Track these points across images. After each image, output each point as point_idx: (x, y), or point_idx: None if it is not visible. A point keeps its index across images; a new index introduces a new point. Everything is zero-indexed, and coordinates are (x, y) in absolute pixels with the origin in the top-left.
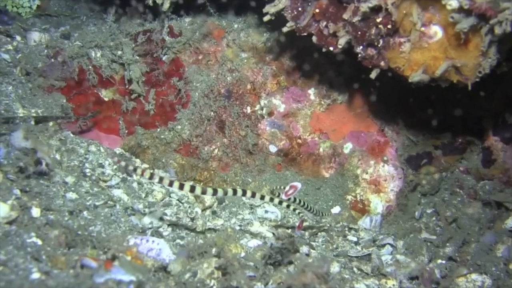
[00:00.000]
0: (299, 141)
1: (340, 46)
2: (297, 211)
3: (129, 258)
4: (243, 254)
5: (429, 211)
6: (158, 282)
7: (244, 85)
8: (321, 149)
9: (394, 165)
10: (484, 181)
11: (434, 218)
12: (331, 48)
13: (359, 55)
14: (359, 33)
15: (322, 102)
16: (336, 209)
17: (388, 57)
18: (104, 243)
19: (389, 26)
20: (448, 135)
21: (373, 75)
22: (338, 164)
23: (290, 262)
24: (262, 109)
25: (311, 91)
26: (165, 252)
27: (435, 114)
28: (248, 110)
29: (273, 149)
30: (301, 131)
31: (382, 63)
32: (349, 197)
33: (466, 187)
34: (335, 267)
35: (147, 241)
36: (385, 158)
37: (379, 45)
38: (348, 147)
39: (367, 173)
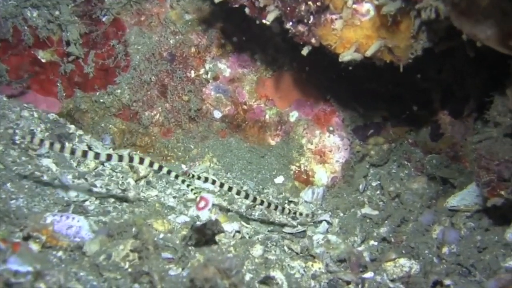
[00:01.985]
0: (245, 107)
1: (268, 22)
2: (190, 188)
3: (44, 237)
4: (162, 235)
5: (374, 184)
6: (72, 263)
7: (188, 48)
8: (267, 116)
9: (340, 135)
10: (432, 155)
11: (378, 192)
12: (264, 21)
13: (290, 31)
14: (289, 8)
15: (269, 68)
16: (279, 179)
17: (319, 34)
18: (22, 220)
19: (318, 4)
20: (397, 106)
21: (304, 51)
22: (284, 132)
23: (214, 242)
24: (206, 73)
25: (257, 56)
26: (84, 230)
27: (383, 85)
28: (192, 74)
29: (217, 114)
30: (246, 97)
31: (313, 40)
32: (293, 167)
33: (413, 160)
34: (258, 250)
35: (67, 218)
36: (331, 128)
37: (309, 22)
38: (294, 115)
39: (312, 143)
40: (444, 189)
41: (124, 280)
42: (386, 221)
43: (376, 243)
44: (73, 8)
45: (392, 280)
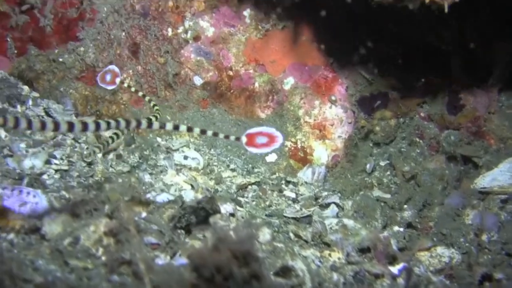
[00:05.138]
0: (230, 73)
1: None
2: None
3: None
4: (144, 214)
5: (382, 163)
6: (27, 248)
7: (165, 1)
8: (256, 84)
9: (343, 106)
10: (449, 131)
11: (388, 173)
12: None
13: None
14: None
15: (260, 27)
16: (271, 157)
17: None
18: None
19: None
20: (409, 73)
21: None
22: (277, 103)
23: (208, 225)
24: (186, 32)
25: (246, 13)
26: (42, 208)
27: (392, 47)
28: (169, 32)
29: (198, 81)
30: (232, 61)
31: None
32: (288, 143)
33: (427, 136)
34: (265, 235)
35: (20, 192)
36: (333, 98)
37: None
38: (289, 82)
39: (310, 116)
40: (466, 169)
41: (98, 271)
42: (405, 205)
43: (401, 229)
44: None
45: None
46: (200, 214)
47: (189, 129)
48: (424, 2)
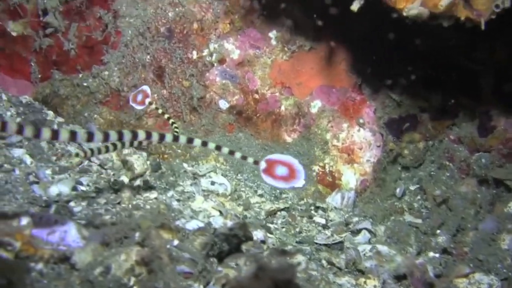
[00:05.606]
0: (256, 96)
1: None
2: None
3: (18, 243)
4: (176, 242)
5: (412, 188)
6: (57, 278)
7: (190, 23)
8: (282, 107)
9: (371, 129)
10: (480, 153)
11: (418, 197)
12: None
13: None
14: None
15: (286, 49)
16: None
17: None
18: None
19: None
20: (438, 95)
21: (355, 6)
22: (304, 126)
23: (241, 253)
24: (211, 54)
25: (272, 34)
26: (71, 236)
27: (422, 69)
28: (194, 55)
29: (223, 105)
30: (258, 84)
31: None
32: (316, 168)
33: (457, 159)
34: (300, 261)
35: (49, 219)
36: (361, 121)
37: None
38: (316, 105)
39: (338, 139)
40: (498, 193)
41: None
42: (438, 230)
43: (437, 255)
44: None
45: None
46: (232, 241)
47: (204, 144)
48: (459, 19)
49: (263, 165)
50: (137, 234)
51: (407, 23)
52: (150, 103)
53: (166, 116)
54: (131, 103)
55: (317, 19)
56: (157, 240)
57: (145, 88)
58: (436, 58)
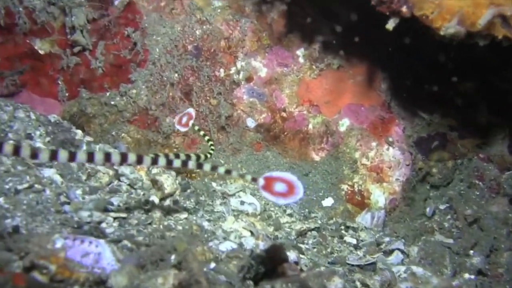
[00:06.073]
0: (284, 114)
1: None
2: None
3: (53, 266)
4: (213, 265)
5: (442, 207)
6: None
7: (217, 41)
8: (310, 126)
9: (400, 148)
10: (510, 172)
11: (449, 217)
12: None
13: None
14: None
15: (314, 67)
16: (328, 201)
17: (412, 0)
18: (21, 243)
19: None
20: (468, 113)
21: (390, 25)
22: (332, 145)
23: (276, 275)
24: (238, 72)
25: (300, 52)
26: (106, 258)
27: (452, 87)
28: (221, 73)
29: (251, 123)
30: (286, 102)
31: (403, 9)
32: (344, 187)
33: (487, 178)
34: (337, 284)
35: (82, 242)
36: (390, 139)
37: None
38: (344, 123)
39: (367, 158)
40: None
41: None
42: (471, 251)
43: (472, 277)
44: None
45: None
46: (268, 264)
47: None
48: (496, 38)
49: (261, 182)
50: (173, 257)
51: (439, 41)
52: (194, 125)
53: (206, 138)
54: (176, 125)
55: (346, 37)
56: (195, 263)
57: (190, 110)
58: (467, 76)
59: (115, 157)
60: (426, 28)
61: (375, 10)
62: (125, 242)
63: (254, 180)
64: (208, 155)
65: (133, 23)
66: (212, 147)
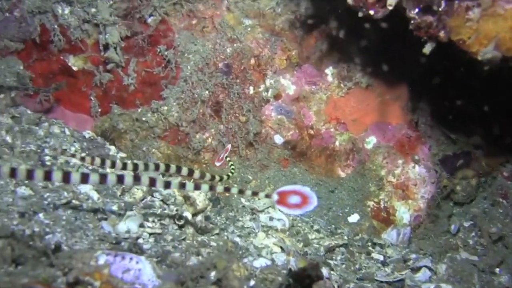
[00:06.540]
0: (311, 131)
1: (390, 7)
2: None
3: (98, 283)
4: (252, 283)
5: (466, 224)
6: None
7: (247, 59)
8: (337, 143)
9: (426, 166)
10: None
11: (473, 234)
12: (372, 12)
13: (412, 21)
14: None
15: (342, 85)
16: (354, 217)
17: (450, 25)
18: (64, 259)
19: None
20: (494, 131)
21: (427, 49)
22: (358, 162)
23: None
24: (267, 90)
25: (328, 71)
26: (146, 274)
27: (478, 106)
28: (251, 90)
29: (279, 140)
30: (313, 120)
31: (441, 34)
32: (370, 203)
33: (511, 196)
34: None
35: (123, 258)
36: (416, 158)
37: (439, 9)
38: (371, 141)
39: (393, 175)
40: None
41: None
42: (497, 268)
43: None
44: (113, 5)
45: None
46: (305, 281)
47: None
48: None
49: (275, 197)
50: (212, 274)
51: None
52: (227, 157)
53: (230, 163)
54: (215, 162)
55: (374, 56)
56: (236, 281)
57: (229, 146)
58: (492, 95)
59: (159, 183)
60: (462, 53)
61: (412, 34)
62: (163, 258)
63: (268, 196)
64: (225, 177)
65: (166, 40)
66: (232, 170)
